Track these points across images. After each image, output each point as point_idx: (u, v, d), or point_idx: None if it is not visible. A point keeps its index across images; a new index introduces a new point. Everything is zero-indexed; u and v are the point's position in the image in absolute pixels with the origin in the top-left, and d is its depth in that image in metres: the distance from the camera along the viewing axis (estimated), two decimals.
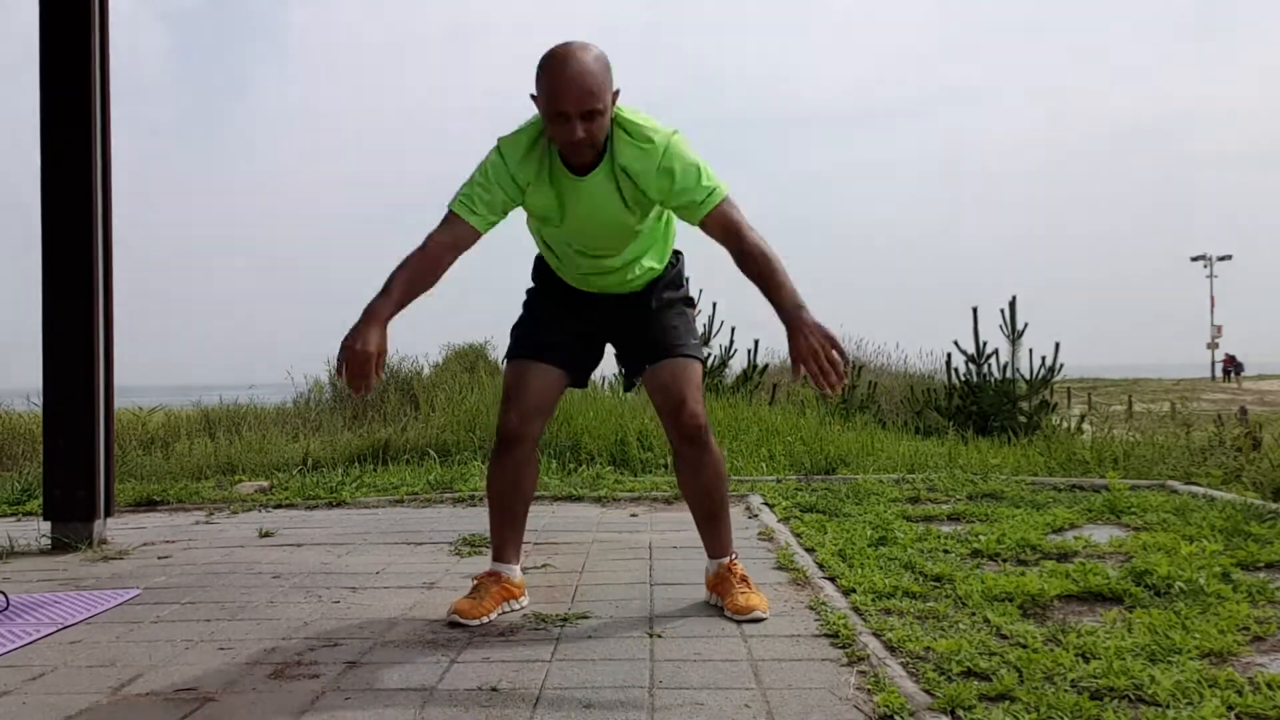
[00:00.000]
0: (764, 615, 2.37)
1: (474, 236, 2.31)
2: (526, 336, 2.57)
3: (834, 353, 2.05)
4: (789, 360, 2.12)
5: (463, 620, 2.36)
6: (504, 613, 2.50)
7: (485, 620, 2.40)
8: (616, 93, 2.23)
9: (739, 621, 2.35)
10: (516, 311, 2.66)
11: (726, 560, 2.54)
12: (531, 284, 2.66)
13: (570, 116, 2.14)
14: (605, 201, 2.31)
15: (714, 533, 2.57)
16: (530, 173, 2.30)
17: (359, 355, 2.09)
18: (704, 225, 2.28)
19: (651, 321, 2.54)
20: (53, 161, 3.66)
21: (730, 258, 2.29)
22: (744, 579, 2.49)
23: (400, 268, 2.24)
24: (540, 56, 2.21)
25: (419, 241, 2.28)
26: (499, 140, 2.34)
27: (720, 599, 2.48)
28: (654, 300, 2.56)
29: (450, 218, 2.30)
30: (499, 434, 2.51)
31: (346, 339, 2.11)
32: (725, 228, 2.26)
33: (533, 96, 2.24)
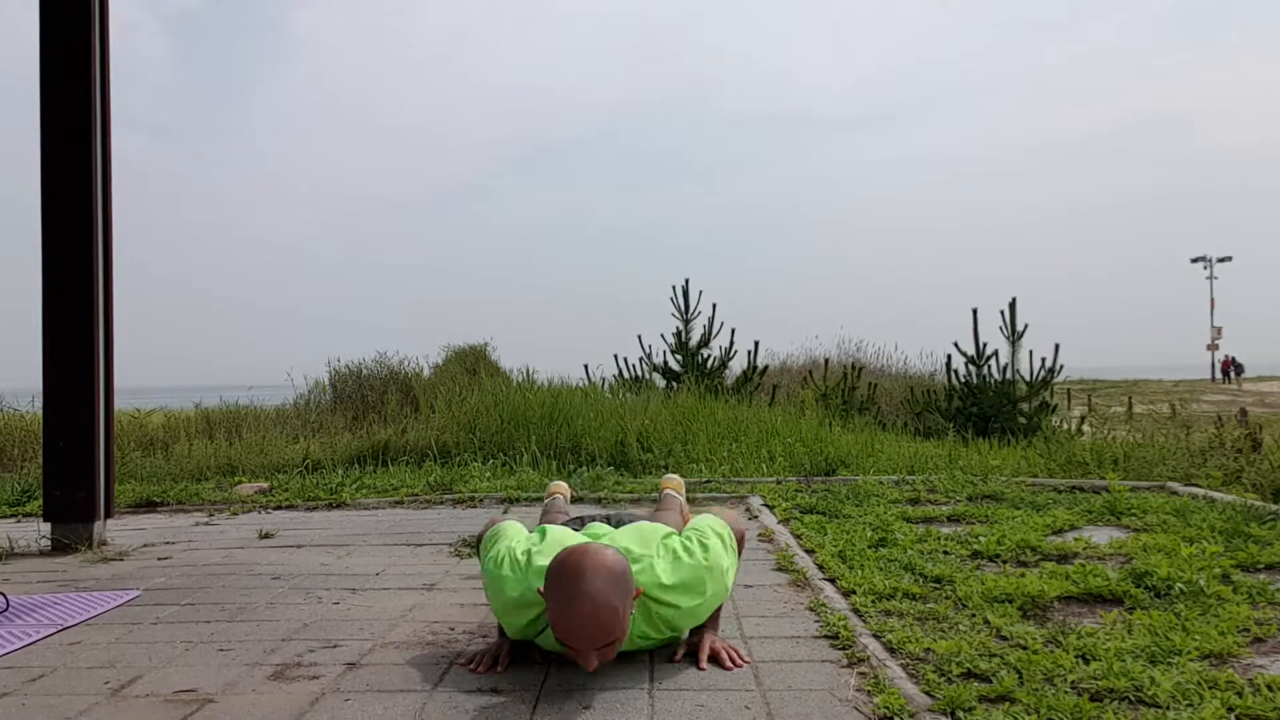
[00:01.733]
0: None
1: None
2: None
3: (735, 652, 2.10)
4: (687, 645, 2.11)
5: None
6: None
7: None
8: (638, 593, 1.95)
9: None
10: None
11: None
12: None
13: (582, 652, 1.87)
14: None
15: None
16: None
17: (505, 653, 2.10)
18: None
19: None
20: (53, 162, 3.66)
21: None
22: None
23: None
24: (551, 565, 1.90)
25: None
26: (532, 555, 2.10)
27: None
28: None
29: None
30: None
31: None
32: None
33: (540, 592, 1.96)
